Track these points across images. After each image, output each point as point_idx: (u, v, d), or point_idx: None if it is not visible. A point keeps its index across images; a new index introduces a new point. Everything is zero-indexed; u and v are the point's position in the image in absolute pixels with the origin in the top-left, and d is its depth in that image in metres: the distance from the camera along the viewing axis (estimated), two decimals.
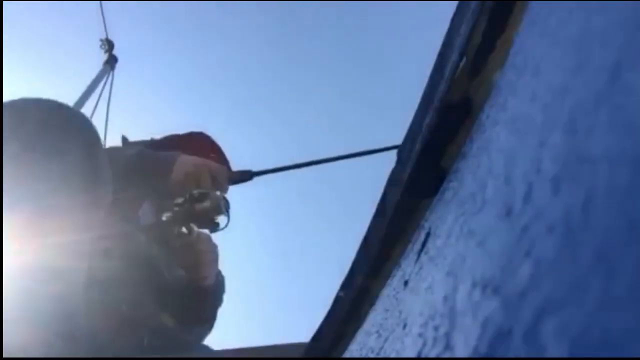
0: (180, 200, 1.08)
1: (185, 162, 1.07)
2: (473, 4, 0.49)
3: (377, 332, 0.38)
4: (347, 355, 0.49)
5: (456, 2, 0.54)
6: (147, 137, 1.49)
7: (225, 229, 1.10)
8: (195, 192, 1.05)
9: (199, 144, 1.47)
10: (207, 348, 1.12)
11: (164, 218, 1.11)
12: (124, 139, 1.46)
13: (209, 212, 1.06)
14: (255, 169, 1.24)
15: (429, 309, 0.26)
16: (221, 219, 1.09)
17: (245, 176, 1.17)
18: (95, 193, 0.67)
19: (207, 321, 1.18)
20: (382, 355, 0.32)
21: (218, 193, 1.07)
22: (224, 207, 1.07)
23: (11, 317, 0.51)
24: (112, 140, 2.34)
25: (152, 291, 1.10)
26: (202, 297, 1.15)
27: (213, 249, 1.13)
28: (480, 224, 0.25)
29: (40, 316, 0.53)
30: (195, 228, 1.08)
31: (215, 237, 1.12)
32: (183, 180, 1.05)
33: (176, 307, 1.14)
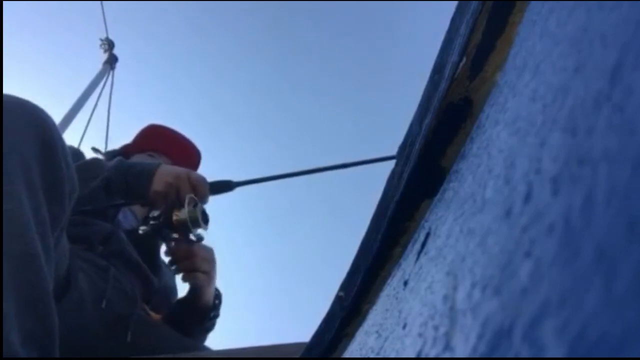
0: (155, 213, 1.09)
1: (166, 172, 1.08)
2: (473, 4, 0.49)
3: (377, 332, 0.38)
4: (347, 355, 0.49)
5: (456, 2, 0.54)
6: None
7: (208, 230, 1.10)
8: (175, 217, 1.06)
9: (158, 139, 1.47)
10: (206, 348, 1.12)
11: (140, 231, 1.11)
12: (94, 151, 1.50)
13: (188, 225, 1.06)
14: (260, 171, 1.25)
15: (428, 308, 0.26)
16: (200, 231, 1.09)
17: (227, 187, 1.17)
18: (56, 188, 0.65)
19: (195, 337, 1.17)
20: (382, 355, 0.32)
21: (197, 205, 1.07)
22: (202, 220, 1.07)
23: None
24: (112, 139, 2.34)
25: (138, 285, 1.10)
26: (193, 315, 1.15)
27: (212, 266, 1.13)
28: (480, 224, 0.25)
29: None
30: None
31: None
32: (164, 190, 1.05)
33: (172, 316, 1.15)
